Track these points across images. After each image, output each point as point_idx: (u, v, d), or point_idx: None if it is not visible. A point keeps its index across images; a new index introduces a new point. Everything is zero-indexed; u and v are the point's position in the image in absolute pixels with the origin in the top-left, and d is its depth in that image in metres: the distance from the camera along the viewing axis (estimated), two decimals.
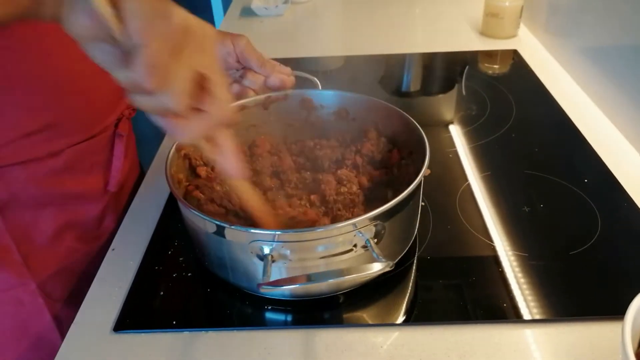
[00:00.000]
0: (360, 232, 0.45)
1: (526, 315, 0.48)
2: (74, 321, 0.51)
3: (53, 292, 0.59)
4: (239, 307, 0.51)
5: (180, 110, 0.35)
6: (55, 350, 0.48)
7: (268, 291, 0.44)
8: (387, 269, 0.43)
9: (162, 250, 0.58)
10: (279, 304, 0.51)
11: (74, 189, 0.59)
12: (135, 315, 0.51)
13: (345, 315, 0.50)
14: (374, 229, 0.46)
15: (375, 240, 0.46)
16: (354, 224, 0.45)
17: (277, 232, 0.45)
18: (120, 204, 0.67)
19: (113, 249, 0.59)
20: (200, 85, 0.36)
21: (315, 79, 0.67)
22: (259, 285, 0.42)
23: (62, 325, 0.60)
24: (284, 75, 0.62)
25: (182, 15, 0.34)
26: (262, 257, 0.45)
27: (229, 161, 0.42)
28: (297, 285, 0.45)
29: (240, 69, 0.63)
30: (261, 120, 0.64)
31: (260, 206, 0.51)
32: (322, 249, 0.46)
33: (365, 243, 0.46)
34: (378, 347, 0.47)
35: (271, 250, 0.45)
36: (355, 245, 0.46)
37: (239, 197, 0.51)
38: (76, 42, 0.33)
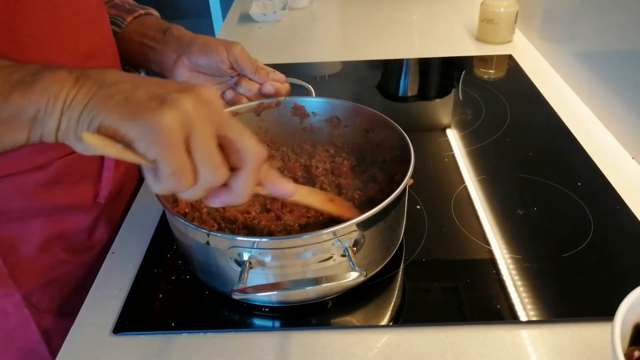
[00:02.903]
0: (339, 241, 0.46)
1: (520, 317, 0.49)
2: (74, 323, 0.51)
3: (39, 303, 0.59)
4: (236, 310, 0.52)
5: (224, 180, 0.36)
6: None
7: (241, 298, 0.44)
8: (362, 279, 0.43)
9: (161, 253, 0.59)
10: (277, 308, 0.52)
11: (63, 200, 0.59)
12: (135, 318, 0.51)
13: (340, 319, 0.51)
14: (353, 238, 0.46)
15: (355, 248, 0.47)
16: (334, 232, 0.45)
17: (256, 239, 0.45)
18: (114, 214, 0.67)
19: (113, 252, 0.60)
20: (223, 145, 0.36)
21: (309, 85, 0.67)
22: (232, 291, 0.43)
23: (50, 336, 0.59)
24: (278, 83, 0.63)
25: (175, 97, 0.34)
26: (240, 263, 0.46)
27: (277, 189, 0.42)
28: (270, 293, 0.45)
29: (234, 76, 0.64)
30: (256, 126, 0.65)
31: (324, 203, 0.51)
32: (301, 257, 0.46)
33: (344, 252, 0.46)
34: (373, 348, 0.48)
35: (249, 257, 0.45)
36: (334, 254, 0.47)
37: (307, 206, 0.52)
38: None
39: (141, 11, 0.69)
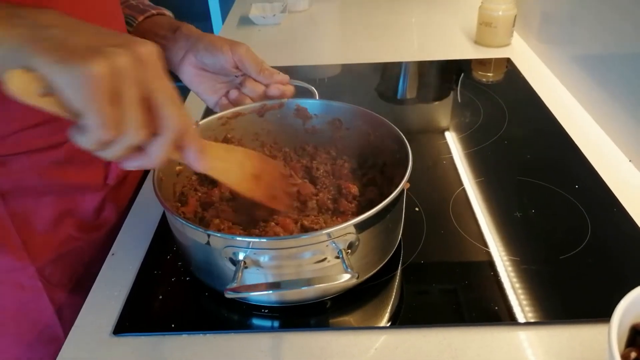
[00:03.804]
0: (334, 242, 0.46)
1: (518, 318, 0.50)
2: (75, 324, 0.52)
3: (52, 277, 0.60)
4: (236, 311, 0.52)
5: (142, 141, 0.37)
6: (53, 334, 0.48)
7: (234, 296, 0.44)
8: (354, 281, 0.44)
9: (161, 255, 0.59)
10: (276, 308, 0.52)
11: (74, 179, 0.61)
12: (135, 319, 0.52)
13: (337, 319, 0.51)
14: (347, 240, 0.47)
15: (349, 251, 0.47)
16: (328, 234, 0.45)
17: (251, 239, 0.46)
18: (122, 197, 0.69)
19: (113, 254, 0.60)
20: (150, 108, 0.37)
21: (313, 88, 0.68)
22: (225, 290, 0.43)
23: (61, 310, 0.61)
24: (283, 86, 0.64)
25: (111, 50, 0.34)
26: (235, 262, 0.46)
27: (191, 162, 0.43)
28: (263, 292, 0.46)
29: (239, 75, 0.64)
30: (259, 127, 0.66)
31: (241, 182, 0.51)
32: (296, 258, 0.47)
33: (338, 254, 0.46)
34: (371, 349, 0.48)
35: (245, 257, 0.46)
36: (328, 255, 0.47)
37: (222, 183, 0.52)
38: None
39: (153, 11, 0.70)
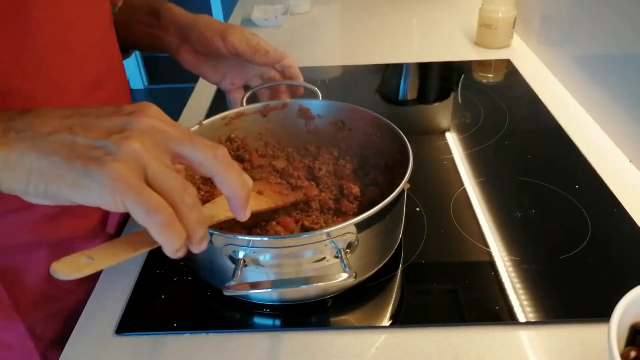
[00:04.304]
0: (333, 242, 0.46)
1: (518, 318, 0.50)
2: (77, 324, 0.52)
3: (44, 334, 0.57)
4: (238, 310, 0.53)
5: (195, 194, 0.35)
6: None
7: (232, 294, 0.44)
8: (351, 280, 0.44)
9: (164, 254, 0.59)
10: (277, 307, 0.52)
11: (69, 231, 0.57)
12: (137, 318, 0.52)
13: (338, 319, 0.51)
14: (347, 240, 0.47)
15: (348, 250, 0.47)
16: (328, 234, 0.45)
17: (251, 238, 0.46)
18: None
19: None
20: (183, 162, 0.36)
21: (316, 88, 0.68)
22: (224, 287, 0.43)
23: None
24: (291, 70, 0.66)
25: (118, 140, 0.32)
26: (235, 261, 0.47)
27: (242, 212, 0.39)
28: (260, 290, 0.46)
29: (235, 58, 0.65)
30: (262, 127, 0.66)
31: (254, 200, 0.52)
32: (295, 257, 0.47)
33: (337, 253, 0.46)
34: (372, 348, 0.48)
35: (244, 255, 0.46)
36: (327, 255, 0.47)
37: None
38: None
39: None
